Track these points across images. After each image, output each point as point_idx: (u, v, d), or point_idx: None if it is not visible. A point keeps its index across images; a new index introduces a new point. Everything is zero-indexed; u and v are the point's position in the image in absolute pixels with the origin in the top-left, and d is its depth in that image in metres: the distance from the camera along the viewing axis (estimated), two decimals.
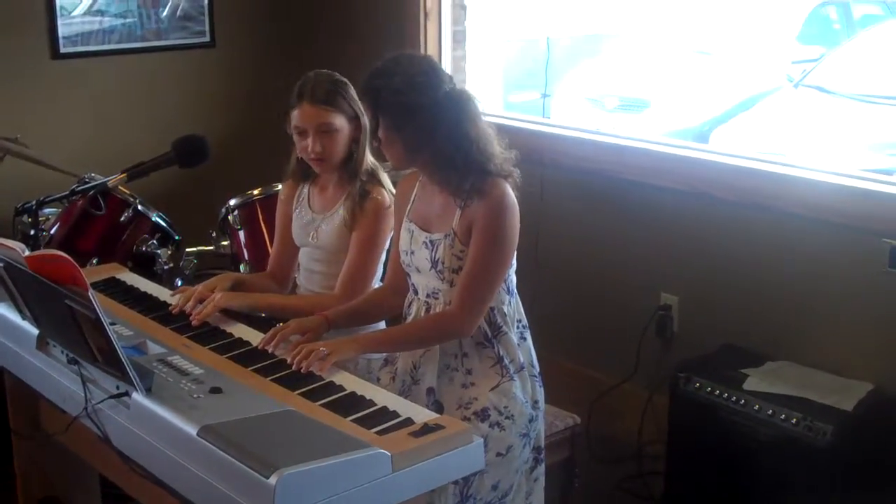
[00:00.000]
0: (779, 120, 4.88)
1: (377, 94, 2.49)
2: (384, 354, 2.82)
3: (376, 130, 2.55)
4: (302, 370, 2.39)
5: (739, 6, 5.44)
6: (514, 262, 2.64)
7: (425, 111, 2.48)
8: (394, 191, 2.98)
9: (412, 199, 2.71)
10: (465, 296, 2.53)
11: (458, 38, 4.66)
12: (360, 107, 2.91)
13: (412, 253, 2.65)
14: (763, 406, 3.16)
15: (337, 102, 2.90)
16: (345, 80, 2.96)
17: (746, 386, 3.26)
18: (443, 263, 2.57)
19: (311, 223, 3.05)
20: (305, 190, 3.10)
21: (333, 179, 3.03)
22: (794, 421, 3.08)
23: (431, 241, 2.60)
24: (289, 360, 2.43)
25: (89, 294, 2.10)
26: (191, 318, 2.73)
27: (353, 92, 2.92)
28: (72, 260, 2.16)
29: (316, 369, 2.39)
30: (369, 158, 2.99)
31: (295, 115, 2.91)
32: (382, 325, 2.98)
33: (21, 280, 2.41)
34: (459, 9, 4.61)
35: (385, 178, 3.02)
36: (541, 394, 2.69)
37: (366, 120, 2.92)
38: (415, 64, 2.57)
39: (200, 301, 2.81)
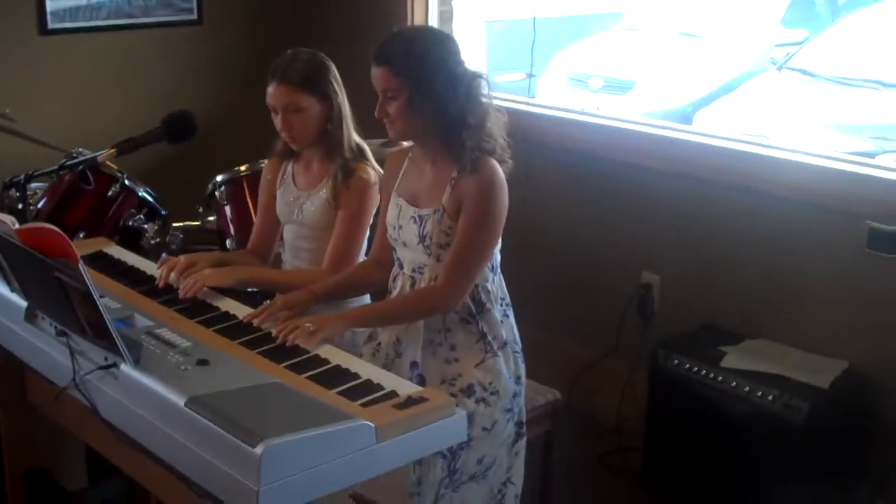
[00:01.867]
0: (762, 102, 4.90)
1: (398, 59, 2.50)
2: (369, 329, 2.84)
3: (389, 97, 2.54)
4: (287, 344, 2.41)
5: None
6: (499, 241, 2.66)
7: (447, 79, 2.51)
8: (378, 168, 3.01)
9: (401, 174, 2.73)
10: (451, 272, 2.56)
11: (445, 18, 4.66)
12: (335, 87, 2.94)
13: (400, 227, 2.67)
14: (740, 383, 3.20)
15: (307, 83, 2.91)
16: (324, 59, 2.97)
17: (724, 363, 3.30)
18: (430, 238, 2.60)
19: (296, 200, 3.06)
20: (290, 167, 3.12)
21: (317, 157, 3.04)
22: (770, 398, 3.12)
23: (420, 216, 2.62)
24: (275, 334, 2.46)
25: (79, 267, 2.12)
26: (178, 291, 2.75)
27: (330, 72, 2.95)
28: (62, 233, 2.17)
29: (302, 343, 2.42)
30: (353, 136, 3.01)
31: (267, 94, 2.95)
32: (367, 298, 3.00)
33: (11, 252, 2.43)
34: None
35: (370, 155, 3.04)
36: (523, 369, 2.73)
37: (341, 100, 2.95)
38: (437, 35, 2.65)
39: (183, 273, 2.83)
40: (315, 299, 2.66)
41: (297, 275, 2.99)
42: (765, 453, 3.15)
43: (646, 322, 3.92)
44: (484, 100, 2.59)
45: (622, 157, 3.94)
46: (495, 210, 2.57)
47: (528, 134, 4.08)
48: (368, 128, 2.99)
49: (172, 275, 2.81)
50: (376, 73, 2.55)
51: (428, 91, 2.51)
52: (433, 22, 4.64)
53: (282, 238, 3.17)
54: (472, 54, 4.72)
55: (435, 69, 2.51)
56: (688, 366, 3.33)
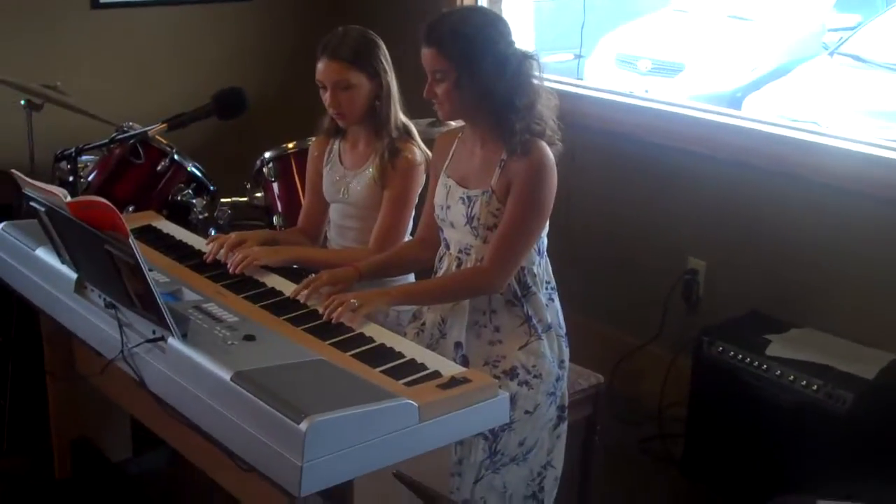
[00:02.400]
0: (813, 88, 4.83)
1: (446, 40, 2.50)
2: (413, 309, 2.85)
3: (437, 78, 2.54)
4: (333, 321, 2.42)
5: None
6: (546, 224, 2.66)
7: (495, 60, 2.51)
8: (425, 148, 3.01)
9: (451, 154, 2.74)
10: (498, 253, 2.56)
11: None
12: (384, 65, 2.95)
13: (448, 207, 2.67)
14: (785, 372, 3.18)
15: (357, 59, 2.92)
16: (374, 37, 2.98)
17: (769, 351, 3.27)
18: (478, 220, 2.59)
19: (342, 179, 3.07)
20: (336, 146, 3.13)
21: (363, 136, 3.05)
22: (815, 388, 3.10)
23: (468, 197, 2.62)
24: (321, 311, 2.47)
25: (129, 240, 2.14)
26: (228, 266, 2.77)
27: (380, 50, 2.96)
28: (113, 207, 2.20)
29: (347, 320, 2.43)
30: (400, 115, 3.01)
31: (317, 70, 2.96)
32: (412, 277, 3.02)
33: (62, 225, 2.46)
34: None
35: (416, 135, 3.04)
36: (566, 353, 2.73)
37: (390, 79, 2.96)
38: (488, 15, 2.66)
39: (232, 249, 2.85)
40: (359, 275, 2.68)
41: (345, 254, 3.01)
42: (808, 443, 3.12)
43: (690, 308, 3.90)
44: (534, 81, 2.58)
45: (670, 141, 3.91)
46: (544, 192, 2.56)
47: (576, 116, 4.04)
48: (418, 108, 2.99)
49: (221, 250, 2.84)
50: (425, 54, 2.55)
51: (475, 72, 2.50)
52: (482, 1, 4.62)
53: (329, 218, 3.19)
54: (520, 34, 4.69)
55: (482, 50, 2.50)
56: (732, 353, 3.31)
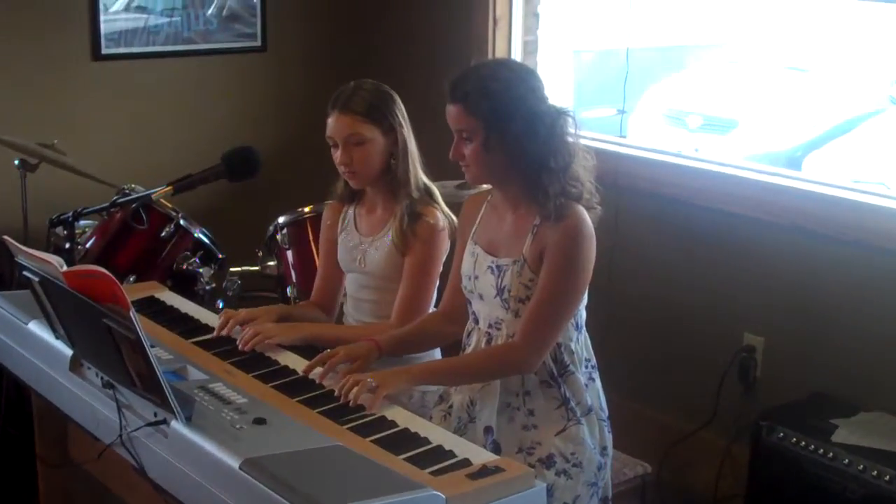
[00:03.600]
0: (881, 145, 4.84)
1: (473, 97, 2.53)
2: (439, 389, 2.85)
3: (464, 137, 2.57)
4: (350, 403, 2.43)
5: (839, 19, 5.42)
6: (585, 296, 2.66)
7: (527, 118, 2.53)
8: (448, 212, 3.04)
9: (478, 219, 2.75)
10: (531, 328, 2.56)
11: (530, 49, 4.69)
12: (400, 119, 3.00)
13: (476, 278, 2.69)
14: (853, 460, 3.15)
15: (371, 113, 2.97)
16: (388, 90, 3.03)
17: (836, 438, 3.25)
18: (509, 292, 2.60)
19: (358, 247, 3.10)
20: (351, 212, 3.16)
21: (380, 199, 3.09)
22: (887, 478, 3.06)
23: (498, 267, 2.63)
24: (336, 392, 2.48)
25: (130, 314, 2.16)
26: (237, 342, 2.79)
27: (395, 104, 3.01)
28: (113, 277, 2.22)
29: (365, 403, 2.43)
30: (421, 175, 3.05)
31: (327, 126, 3.00)
32: (437, 353, 3.02)
33: (57, 296, 2.48)
34: (532, 16, 4.64)
35: (439, 198, 3.07)
36: (609, 439, 2.71)
37: (406, 134, 3.00)
38: (519, 69, 2.67)
39: (243, 325, 2.87)
40: (379, 351, 2.69)
41: (366, 330, 3.01)
42: None
43: (747, 390, 3.88)
44: (570, 140, 2.60)
45: (722, 206, 3.92)
46: (581, 261, 2.57)
47: (618, 177, 4.09)
48: (446, 169, 3.02)
49: (230, 325, 2.86)
50: (451, 112, 2.58)
51: (504, 132, 2.53)
52: (516, 53, 4.67)
53: (345, 290, 3.21)
54: (558, 88, 4.74)
55: (513, 108, 2.53)
56: (794, 440, 3.29)
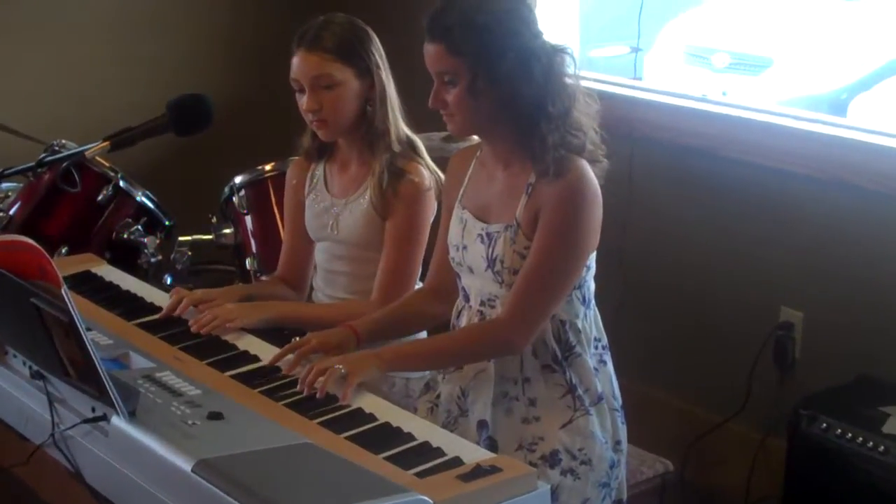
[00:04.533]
0: None
1: (455, 32, 2.52)
2: (425, 376, 2.86)
3: (446, 81, 2.56)
4: (317, 395, 2.42)
5: None
6: (593, 265, 2.67)
7: (519, 56, 2.52)
8: (435, 168, 3.03)
9: (466, 179, 2.75)
10: (518, 301, 2.56)
11: None
12: (377, 60, 3.00)
13: (464, 248, 2.69)
14: None
15: (342, 51, 2.96)
16: (363, 26, 3.04)
17: (887, 428, 3.27)
18: (501, 262, 2.61)
19: (330, 211, 3.10)
20: (321, 170, 3.16)
21: (355, 154, 3.08)
22: None
23: (488, 234, 2.64)
24: (299, 385, 2.47)
25: (62, 291, 2.15)
26: (189, 324, 2.79)
27: (371, 42, 3.01)
28: (41, 248, 2.22)
29: (334, 392, 2.43)
30: (402, 126, 3.04)
31: (292, 66, 3.00)
32: (423, 336, 3.02)
33: None
34: None
35: (424, 152, 3.07)
36: (623, 432, 2.73)
37: (385, 78, 3.00)
38: (506, 1, 2.63)
39: (195, 305, 2.87)
40: (357, 338, 2.69)
41: (343, 309, 3.03)
42: None
43: (784, 373, 3.90)
44: (569, 81, 2.60)
45: (754, 158, 3.92)
46: (582, 223, 2.57)
47: (633, 126, 4.09)
48: (426, 121, 3.01)
49: (182, 304, 2.86)
50: (430, 51, 2.57)
51: (494, 73, 2.52)
52: None
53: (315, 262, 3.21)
54: (561, 23, 4.73)
55: (504, 44, 2.52)
56: (838, 431, 3.30)
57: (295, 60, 2.99)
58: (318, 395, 2.42)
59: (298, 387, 2.47)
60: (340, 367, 2.46)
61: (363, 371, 2.50)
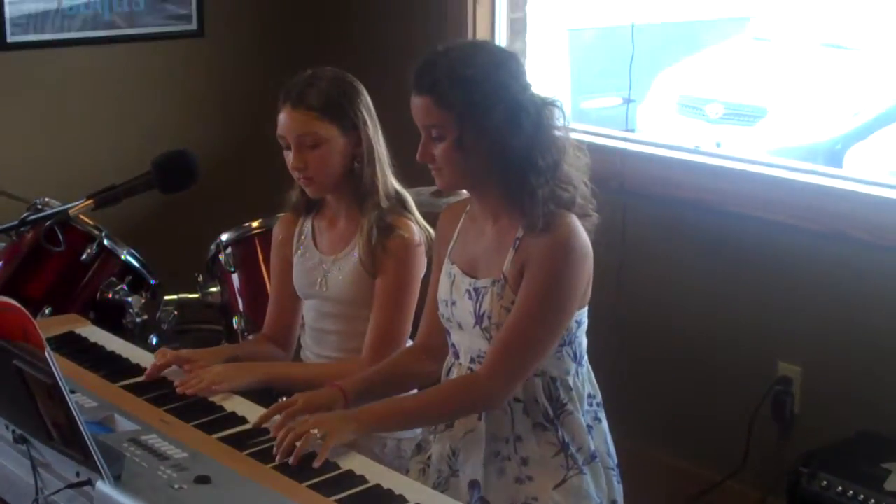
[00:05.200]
0: None
1: (443, 86, 2.53)
2: (416, 436, 2.86)
3: (434, 136, 2.57)
4: (291, 462, 2.39)
5: None
6: (585, 320, 2.68)
7: (508, 109, 2.53)
8: (425, 224, 3.04)
9: (455, 234, 2.76)
10: (500, 354, 2.56)
11: (517, 28, 4.71)
12: (365, 116, 3.00)
13: (453, 304, 2.70)
14: None
15: (329, 108, 2.97)
16: (352, 80, 3.04)
17: (889, 486, 3.26)
18: (489, 318, 2.61)
19: (318, 268, 3.11)
20: (309, 226, 3.17)
21: (343, 210, 3.09)
22: None
23: (476, 290, 2.64)
24: (275, 450, 2.44)
25: (46, 353, 2.15)
26: (175, 385, 2.79)
27: (359, 97, 3.01)
28: (23, 309, 2.22)
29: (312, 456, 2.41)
30: (391, 181, 3.05)
31: (278, 122, 3.01)
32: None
33: None
34: None
35: (413, 207, 3.08)
36: (619, 492, 2.72)
37: (372, 133, 3.01)
38: (493, 52, 2.66)
39: (181, 365, 2.88)
40: (345, 399, 2.68)
41: (331, 369, 3.02)
42: None
43: (783, 429, 3.90)
44: (558, 134, 2.61)
45: (749, 210, 3.94)
46: (568, 279, 2.57)
47: (625, 178, 4.11)
48: (417, 175, 3.03)
49: (166, 361, 2.86)
50: (417, 105, 2.58)
51: (483, 127, 2.53)
52: (501, 34, 4.69)
53: (303, 320, 3.22)
54: (552, 74, 4.76)
55: (493, 97, 2.53)
56: (840, 489, 3.30)
57: (281, 117, 3.00)
58: (291, 462, 2.38)
59: (274, 451, 2.43)
60: (316, 431, 2.43)
61: (340, 433, 2.47)
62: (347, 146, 3.00)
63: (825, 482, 3.35)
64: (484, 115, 2.52)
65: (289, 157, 3.01)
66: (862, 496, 3.27)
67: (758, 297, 3.95)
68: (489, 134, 2.54)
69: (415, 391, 2.99)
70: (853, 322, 3.72)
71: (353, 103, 3.00)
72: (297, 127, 2.97)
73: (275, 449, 2.45)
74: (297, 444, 2.41)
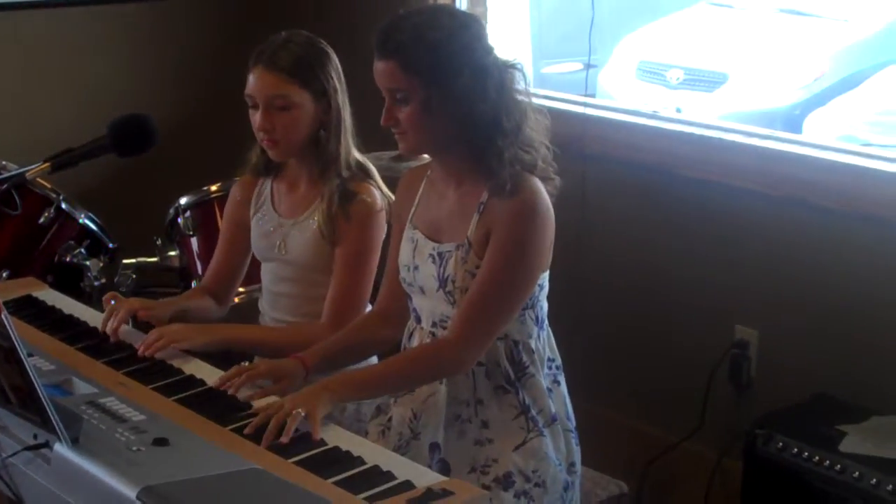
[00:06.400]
0: (893, 102, 4.89)
1: (408, 50, 2.52)
2: (377, 398, 2.87)
3: (398, 99, 2.57)
4: (282, 440, 2.33)
5: None
6: (546, 284, 2.69)
7: (474, 72, 2.54)
8: (387, 191, 3.04)
9: (417, 199, 2.77)
10: (466, 318, 2.57)
11: None
12: (335, 83, 3.00)
13: (415, 268, 2.70)
14: (865, 473, 3.18)
15: (301, 72, 2.97)
16: (324, 46, 3.04)
17: (844, 447, 3.29)
18: (453, 282, 2.62)
19: (278, 231, 3.10)
20: (268, 188, 3.16)
21: (304, 175, 3.09)
22: None
23: (440, 254, 2.65)
24: (263, 444, 2.36)
25: (2, 317, 2.15)
26: (137, 347, 2.78)
27: (331, 63, 3.01)
28: None
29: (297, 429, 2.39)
30: (353, 152, 3.05)
31: (248, 82, 3.00)
32: (374, 360, 3.03)
33: None
34: None
35: (376, 175, 3.08)
36: (578, 454, 2.74)
37: (341, 102, 3.00)
38: (457, 16, 2.67)
39: (134, 316, 2.88)
40: (305, 370, 2.68)
41: (290, 332, 3.03)
42: None
43: (740, 392, 3.92)
44: (520, 98, 2.62)
45: (709, 175, 3.95)
46: (533, 242, 2.59)
47: (586, 143, 4.12)
48: (375, 139, 3.02)
49: (121, 315, 2.85)
50: (381, 69, 2.57)
51: (449, 90, 2.54)
52: (461, 2, 4.68)
53: (258, 282, 3.21)
54: (513, 40, 4.75)
55: (459, 60, 2.54)
56: (796, 450, 3.32)
57: (251, 77, 2.99)
58: (282, 440, 2.32)
59: (262, 444, 2.34)
60: (300, 409, 2.39)
61: (319, 406, 2.44)
62: (316, 112, 2.99)
63: (781, 444, 3.37)
64: (450, 78, 2.53)
65: (255, 117, 3.00)
66: (817, 457, 3.29)
67: (716, 261, 3.97)
68: (456, 97, 2.54)
69: (374, 359, 3.00)
70: (810, 287, 3.74)
71: (324, 68, 3.00)
72: (268, 88, 2.96)
73: (263, 442, 2.34)
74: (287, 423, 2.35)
